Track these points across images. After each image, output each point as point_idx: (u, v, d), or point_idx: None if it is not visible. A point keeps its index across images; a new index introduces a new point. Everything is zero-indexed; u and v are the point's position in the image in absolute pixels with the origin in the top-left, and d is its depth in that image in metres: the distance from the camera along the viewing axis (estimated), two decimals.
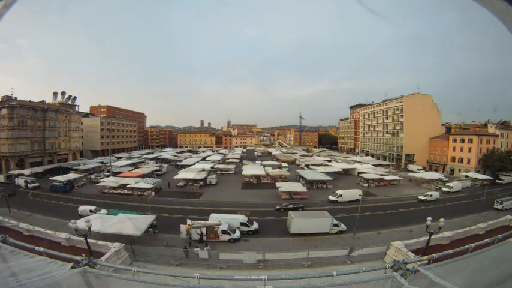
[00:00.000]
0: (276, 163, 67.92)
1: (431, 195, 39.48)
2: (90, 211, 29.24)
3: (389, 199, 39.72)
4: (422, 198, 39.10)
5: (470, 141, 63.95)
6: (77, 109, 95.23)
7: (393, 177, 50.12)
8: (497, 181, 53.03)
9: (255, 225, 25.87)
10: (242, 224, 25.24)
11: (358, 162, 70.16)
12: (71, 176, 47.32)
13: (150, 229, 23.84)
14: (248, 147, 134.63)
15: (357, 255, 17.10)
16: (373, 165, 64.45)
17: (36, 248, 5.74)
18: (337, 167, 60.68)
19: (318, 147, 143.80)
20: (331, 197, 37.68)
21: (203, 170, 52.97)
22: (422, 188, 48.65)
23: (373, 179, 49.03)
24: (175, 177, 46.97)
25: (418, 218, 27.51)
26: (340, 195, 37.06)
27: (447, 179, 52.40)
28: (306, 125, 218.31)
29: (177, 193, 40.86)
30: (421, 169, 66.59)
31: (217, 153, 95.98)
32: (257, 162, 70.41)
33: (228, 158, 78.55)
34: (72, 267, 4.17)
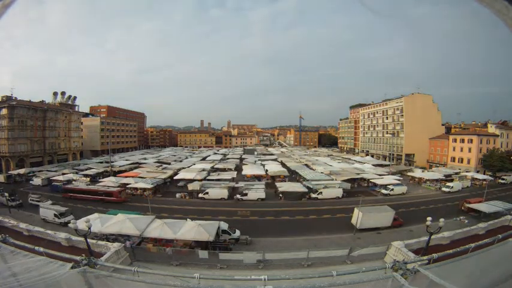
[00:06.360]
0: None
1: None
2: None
3: (389, 199, 39.66)
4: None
5: (470, 141, 63.93)
6: (77, 109, 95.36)
7: (393, 177, 49.98)
8: (500, 181, 52.86)
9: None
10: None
11: (358, 162, 70.14)
12: (71, 176, 47.33)
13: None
14: (248, 147, 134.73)
15: (357, 255, 17.04)
16: (373, 165, 64.42)
17: (36, 248, 5.74)
18: (336, 167, 60.59)
19: (318, 147, 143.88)
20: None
21: (203, 169, 52.99)
22: (422, 187, 48.67)
23: (372, 180, 48.89)
24: (175, 178, 46.99)
25: (417, 218, 27.49)
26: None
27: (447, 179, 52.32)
28: (306, 124, 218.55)
29: (177, 193, 40.80)
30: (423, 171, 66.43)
31: (217, 153, 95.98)
32: (257, 162, 70.33)
33: (228, 158, 78.61)
34: (72, 267, 4.17)
